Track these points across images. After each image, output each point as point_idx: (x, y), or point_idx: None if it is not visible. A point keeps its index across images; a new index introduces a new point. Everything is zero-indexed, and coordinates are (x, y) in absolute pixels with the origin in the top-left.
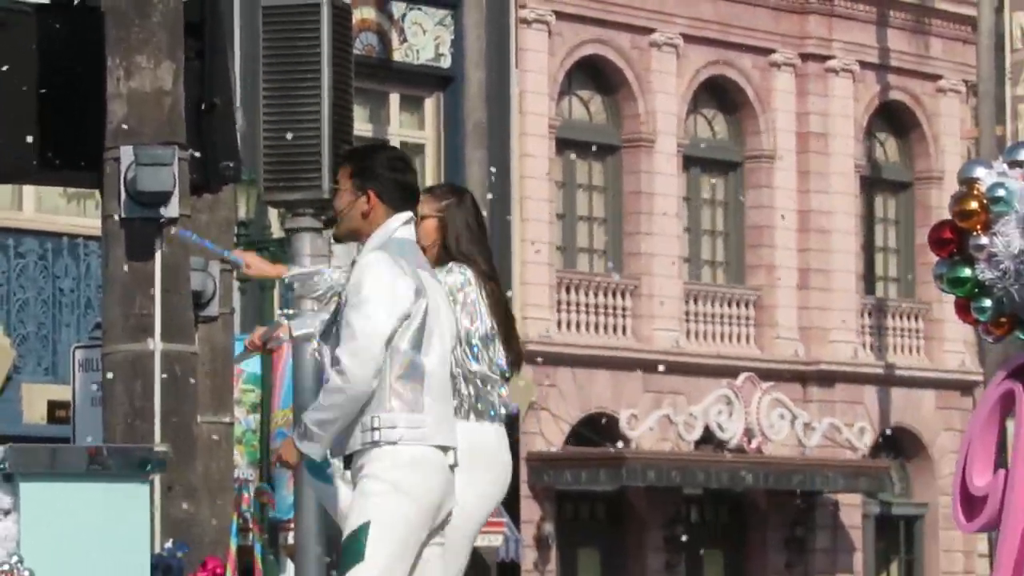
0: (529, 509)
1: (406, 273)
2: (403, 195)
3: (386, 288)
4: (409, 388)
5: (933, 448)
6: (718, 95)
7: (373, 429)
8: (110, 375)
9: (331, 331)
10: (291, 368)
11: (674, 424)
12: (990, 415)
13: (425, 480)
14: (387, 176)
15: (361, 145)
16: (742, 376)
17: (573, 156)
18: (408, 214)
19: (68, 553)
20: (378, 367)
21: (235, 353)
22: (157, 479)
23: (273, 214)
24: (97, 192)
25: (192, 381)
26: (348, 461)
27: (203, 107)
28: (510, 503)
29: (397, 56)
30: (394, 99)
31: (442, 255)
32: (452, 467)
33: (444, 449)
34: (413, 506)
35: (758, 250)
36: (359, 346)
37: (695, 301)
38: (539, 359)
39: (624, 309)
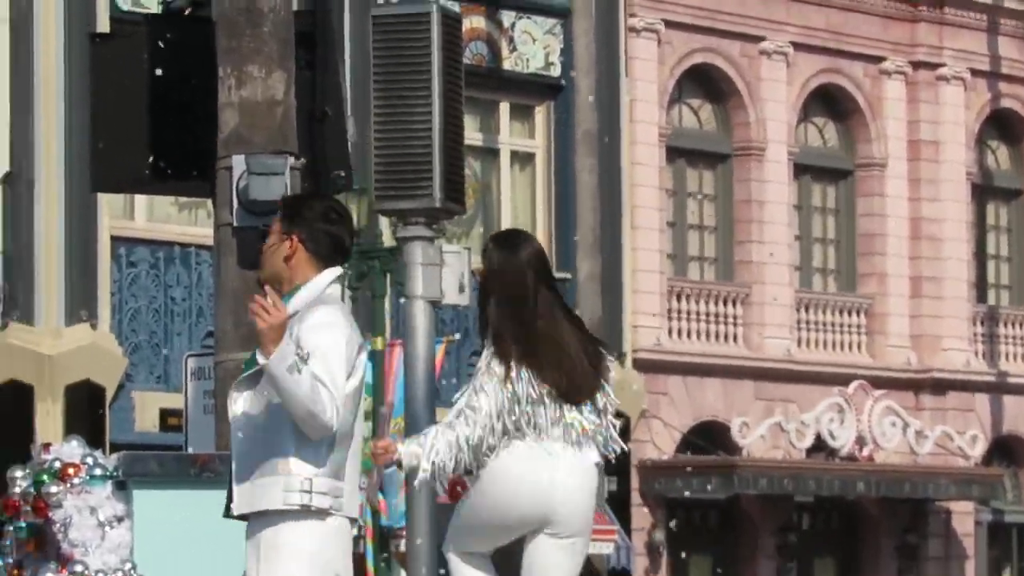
0: (640, 517)
1: (354, 334)
2: (330, 247)
3: (344, 348)
4: (339, 453)
5: None
6: (829, 103)
7: (304, 492)
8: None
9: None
10: (403, 376)
11: (785, 432)
12: None
13: (338, 552)
14: (316, 225)
15: (301, 192)
16: (854, 384)
17: (684, 164)
18: (338, 270)
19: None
20: (333, 422)
21: None
22: None
23: (384, 223)
24: (209, 201)
25: None
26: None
27: (314, 116)
28: (621, 511)
29: (507, 65)
30: (504, 108)
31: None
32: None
33: (353, 520)
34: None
35: (870, 258)
36: (332, 396)
37: (806, 309)
38: (650, 367)
39: (735, 317)
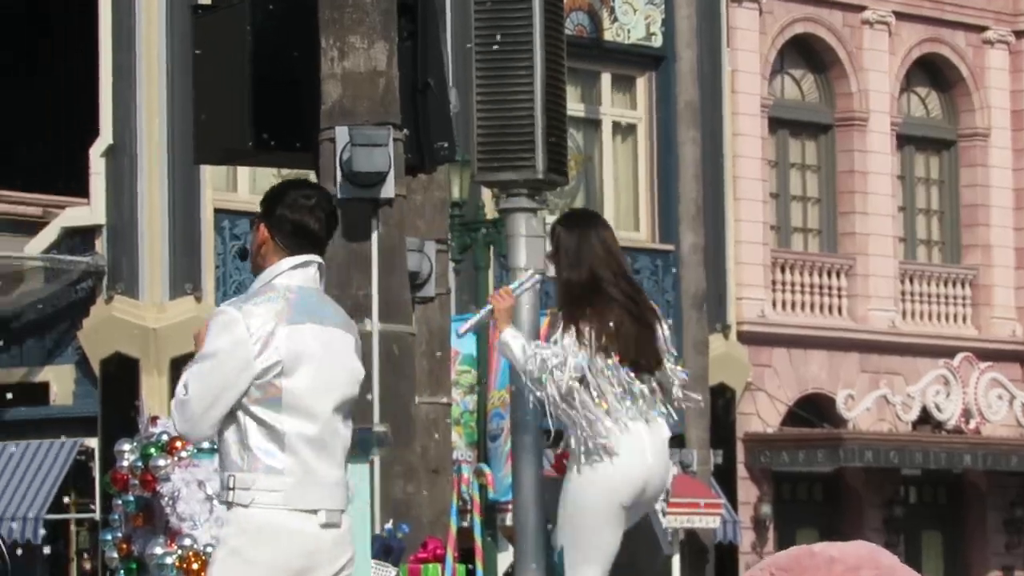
0: (746, 490)
1: (251, 331)
2: (295, 235)
3: (226, 347)
4: (267, 448)
5: None
6: (931, 73)
7: (227, 489)
8: None
9: None
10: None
11: (891, 404)
12: None
13: (273, 548)
14: (280, 214)
15: (279, 183)
16: (959, 356)
17: (786, 135)
18: (304, 257)
19: None
20: (201, 427)
21: (453, 332)
22: (377, 459)
23: (486, 194)
24: (312, 173)
25: (410, 361)
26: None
27: (417, 87)
28: (727, 484)
29: (608, 36)
30: (606, 79)
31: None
32: (329, 527)
33: (314, 511)
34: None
35: (974, 229)
36: (188, 404)
37: (911, 281)
38: (754, 340)
39: (839, 289)
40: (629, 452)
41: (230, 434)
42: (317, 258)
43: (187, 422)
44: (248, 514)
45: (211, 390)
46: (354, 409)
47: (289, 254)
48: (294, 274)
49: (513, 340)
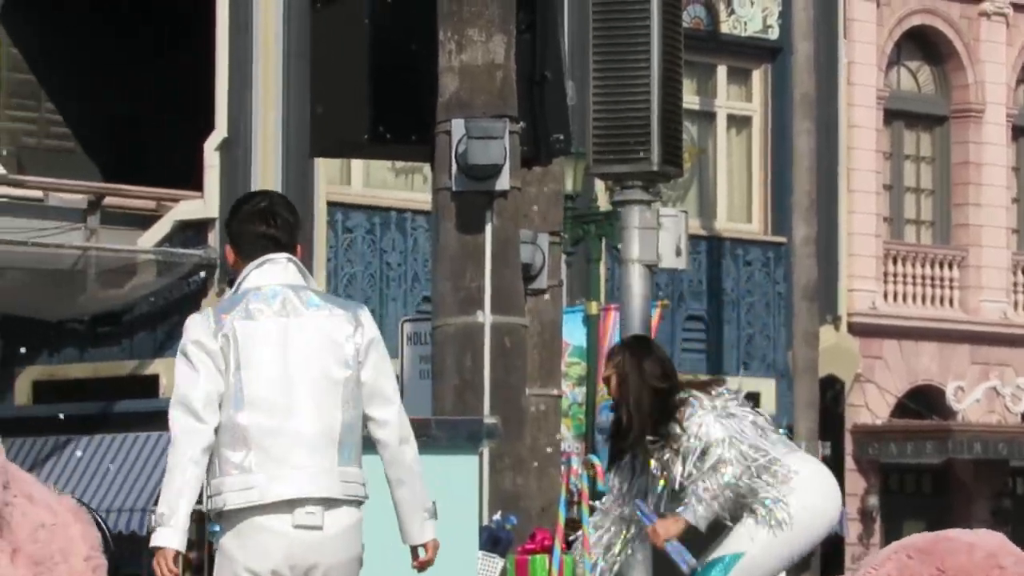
0: (854, 482)
1: (210, 330)
2: (252, 243)
3: (191, 352)
4: (232, 449)
5: None
6: None
7: (209, 497)
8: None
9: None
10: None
11: (1001, 396)
12: None
13: (252, 546)
14: (236, 228)
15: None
16: None
17: (901, 127)
18: (262, 257)
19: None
20: (187, 432)
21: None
22: (486, 451)
23: (600, 187)
24: (425, 166)
25: (522, 353)
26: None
27: (534, 80)
28: (835, 476)
29: (725, 28)
30: (722, 71)
31: None
32: (310, 527)
33: (290, 504)
34: (243, 572)
35: None
36: (172, 415)
37: (1023, 272)
38: (865, 331)
39: (951, 280)
40: None
41: None
42: (279, 255)
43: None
44: (227, 515)
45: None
46: (371, 389)
47: (250, 260)
48: (257, 275)
49: (697, 508)
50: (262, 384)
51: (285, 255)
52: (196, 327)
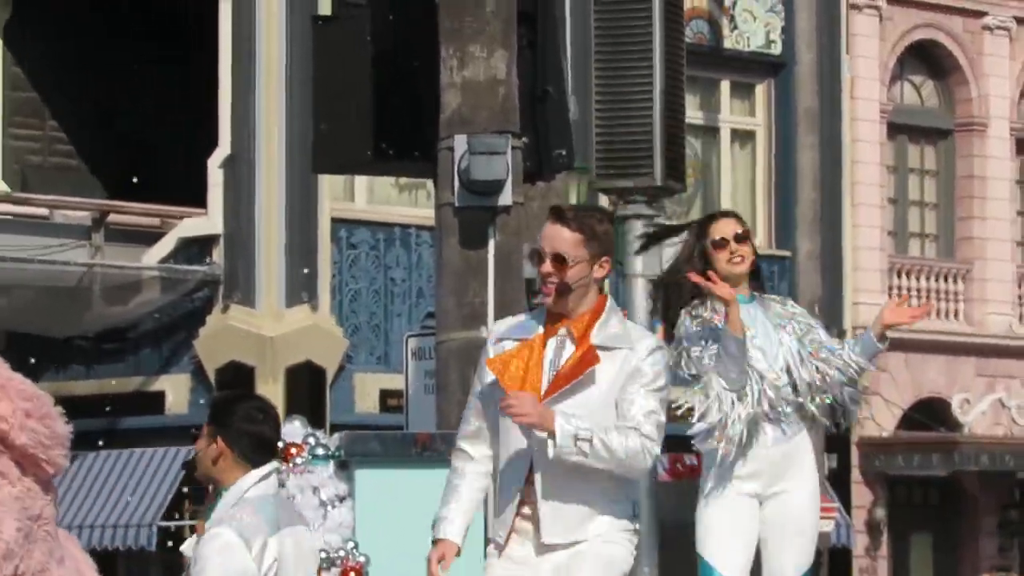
0: (860, 494)
1: (249, 544)
2: (255, 447)
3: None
4: None
5: None
6: None
7: None
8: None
9: None
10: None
11: (1007, 408)
12: None
13: None
14: (238, 427)
15: (225, 393)
16: None
17: (905, 141)
18: (266, 468)
19: (402, 539)
20: None
21: None
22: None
23: (603, 201)
24: (429, 182)
25: None
26: None
27: (536, 96)
28: (841, 489)
29: (728, 43)
30: (725, 86)
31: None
32: None
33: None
34: None
35: None
36: None
37: None
38: None
39: (957, 293)
40: None
41: None
42: (277, 464)
43: None
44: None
45: None
46: None
47: (251, 466)
48: (263, 485)
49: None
50: None
51: (277, 464)
52: (235, 548)
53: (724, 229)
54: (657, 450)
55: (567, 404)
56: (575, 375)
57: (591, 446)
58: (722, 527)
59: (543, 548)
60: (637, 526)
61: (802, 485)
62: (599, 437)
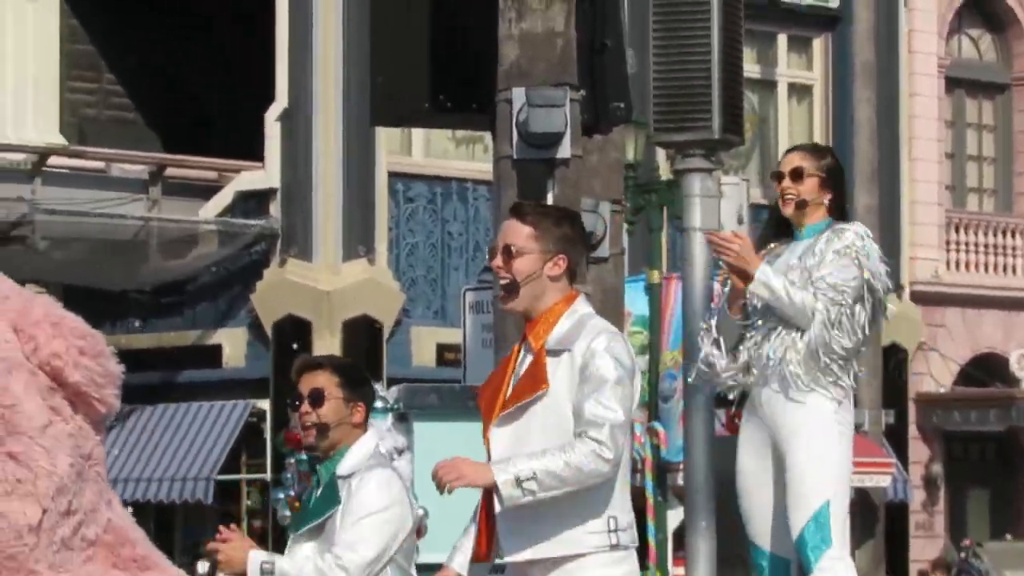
0: (918, 450)
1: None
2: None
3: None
4: None
5: None
6: None
7: None
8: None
9: None
10: (680, 310)
11: None
12: None
13: None
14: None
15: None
16: None
17: (963, 95)
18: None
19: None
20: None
21: (624, 295)
22: None
23: (661, 155)
24: (486, 135)
25: None
26: None
27: (594, 48)
28: (898, 444)
29: None
30: (782, 40)
31: (833, 213)
32: None
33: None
34: None
35: None
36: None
37: None
38: (927, 300)
39: (1014, 248)
40: None
41: None
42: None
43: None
44: None
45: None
46: None
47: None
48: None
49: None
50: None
51: None
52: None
53: (785, 163)
54: (612, 453)
55: (519, 423)
56: (518, 398)
57: (537, 482)
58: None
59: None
60: (617, 541)
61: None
62: (542, 467)
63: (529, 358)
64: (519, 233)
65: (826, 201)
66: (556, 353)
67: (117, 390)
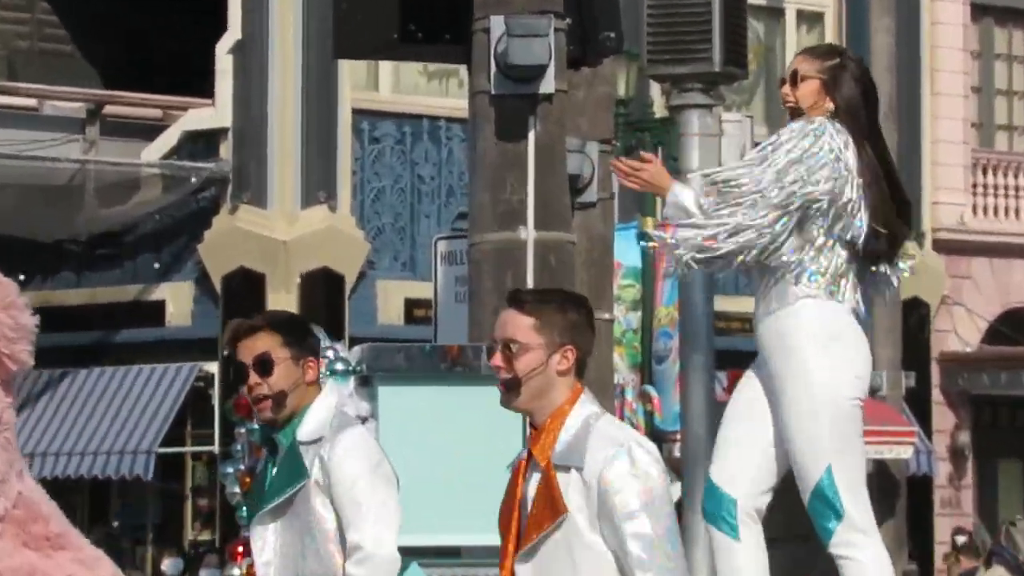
0: (942, 417)
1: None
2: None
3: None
4: None
5: None
6: None
7: None
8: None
9: None
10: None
11: None
12: None
13: None
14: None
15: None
16: None
17: (991, 23)
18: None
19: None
20: None
21: (614, 244)
22: None
23: (656, 90)
24: (462, 68)
25: (568, 273)
26: None
27: None
28: (921, 411)
29: None
30: None
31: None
32: None
33: None
34: None
35: None
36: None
37: None
38: (952, 248)
39: None
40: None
41: None
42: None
43: None
44: None
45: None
46: None
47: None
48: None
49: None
50: None
51: None
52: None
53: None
54: (675, 566)
55: (541, 554)
56: (540, 527)
57: None
58: None
59: None
60: None
61: None
62: None
63: (536, 476)
64: (519, 326)
65: (829, 107)
66: (564, 469)
67: (31, 346)
